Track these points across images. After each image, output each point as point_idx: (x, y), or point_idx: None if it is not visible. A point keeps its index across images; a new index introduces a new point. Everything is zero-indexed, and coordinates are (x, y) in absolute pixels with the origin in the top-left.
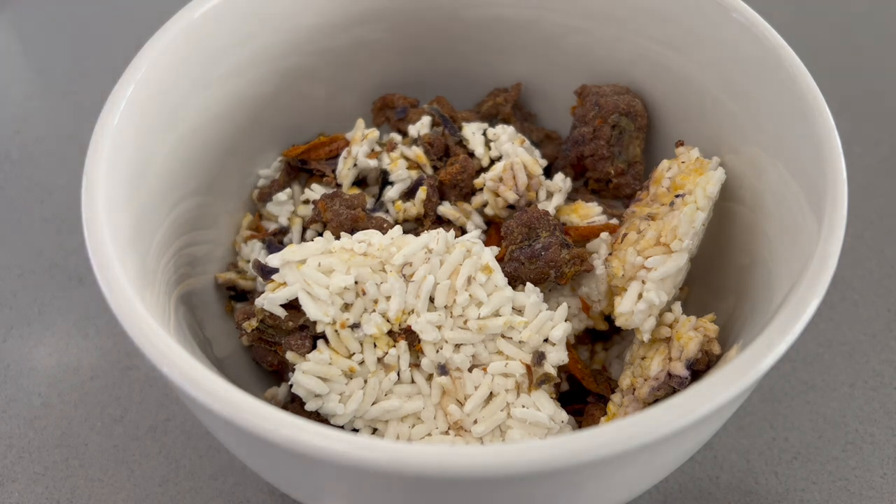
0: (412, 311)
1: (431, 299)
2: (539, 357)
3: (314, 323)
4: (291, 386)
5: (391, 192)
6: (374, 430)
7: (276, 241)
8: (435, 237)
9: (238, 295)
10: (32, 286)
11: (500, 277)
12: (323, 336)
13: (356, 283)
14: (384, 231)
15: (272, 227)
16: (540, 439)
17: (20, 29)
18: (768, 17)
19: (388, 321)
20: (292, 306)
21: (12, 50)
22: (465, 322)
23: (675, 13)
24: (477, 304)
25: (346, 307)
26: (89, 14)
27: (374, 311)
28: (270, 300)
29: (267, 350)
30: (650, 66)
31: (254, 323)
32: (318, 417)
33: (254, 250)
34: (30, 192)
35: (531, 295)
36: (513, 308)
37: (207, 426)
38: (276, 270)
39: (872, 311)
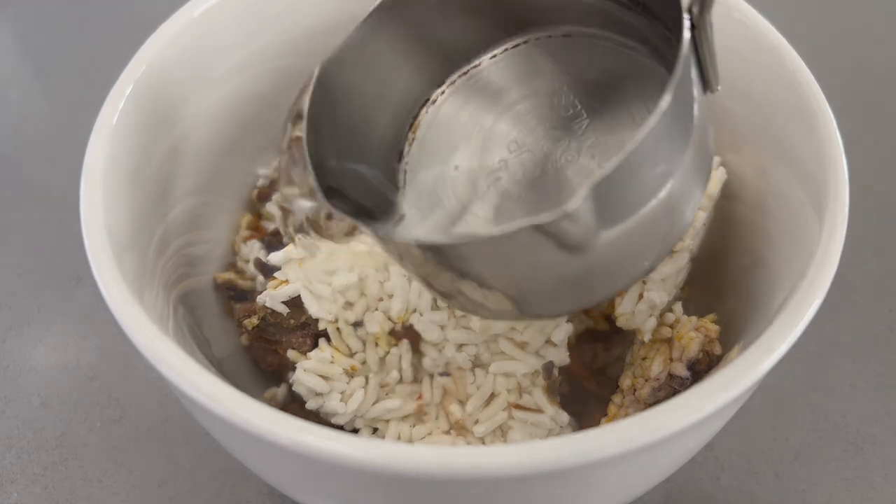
0: (414, 311)
1: (435, 299)
2: (549, 369)
3: (316, 321)
4: (291, 386)
5: None
6: (375, 430)
7: (275, 241)
8: None
9: (237, 295)
10: (31, 286)
11: None
12: (324, 335)
13: (359, 281)
14: None
15: (271, 226)
16: (541, 440)
17: (19, 28)
18: (769, 17)
19: (390, 320)
20: (293, 304)
21: (11, 49)
22: (468, 322)
23: None
24: None
25: (349, 305)
26: (88, 13)
27: (376, 309)
28: (272, 297)
29: (266, 350)
30: None
31: (255, 320)
32: (318, 418)
33: (253, 250)
34: (28, 191)
35: None
36: None
37: (207, 427)
38: (277, 268)
39: (874, 312)
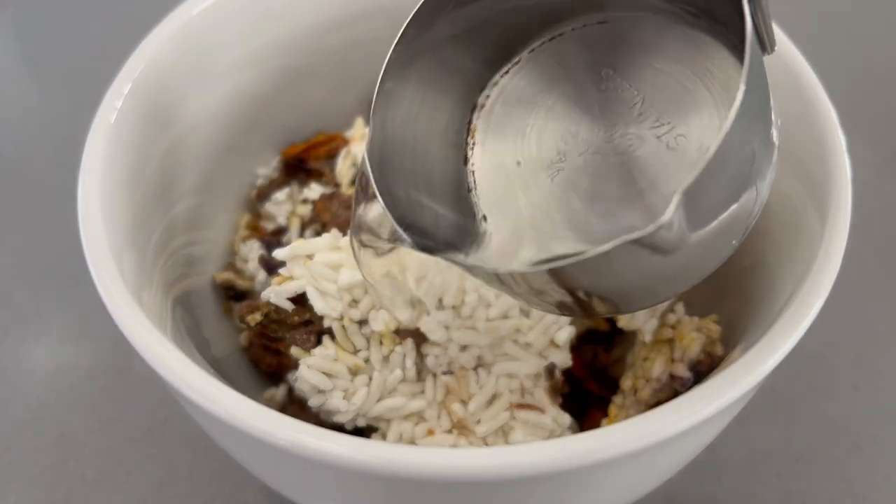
0: None
1: (440, 299)
2: (551, 371)
3: (320, 318)
4: (290, 387)
5: None
6: (376, 429)
7: (274, 241)
8: None
9: (236, 295)
10: (29, 287)
11: None
12: (328, 332)
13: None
14: None
15: (270, 226)
16: (542, 441)
17: (18, 28)
18: (772, 16)
19: (395, 318)
20: (298, 301)
21: (10, 49)
22: (473, 324)
23: None
24: (485, 306)
25: (354, 303)
26: (87, 13)
27: (381, 307)
28: (278, 293)
29: (265, 351)
30: None
31: (258, 317)
32: (317, 420)
33: (252, 250)
34: (26, 191)
35: None
36: (519, 310)
37: (205, 429)
38: (280, 266)
39: (876, 312)
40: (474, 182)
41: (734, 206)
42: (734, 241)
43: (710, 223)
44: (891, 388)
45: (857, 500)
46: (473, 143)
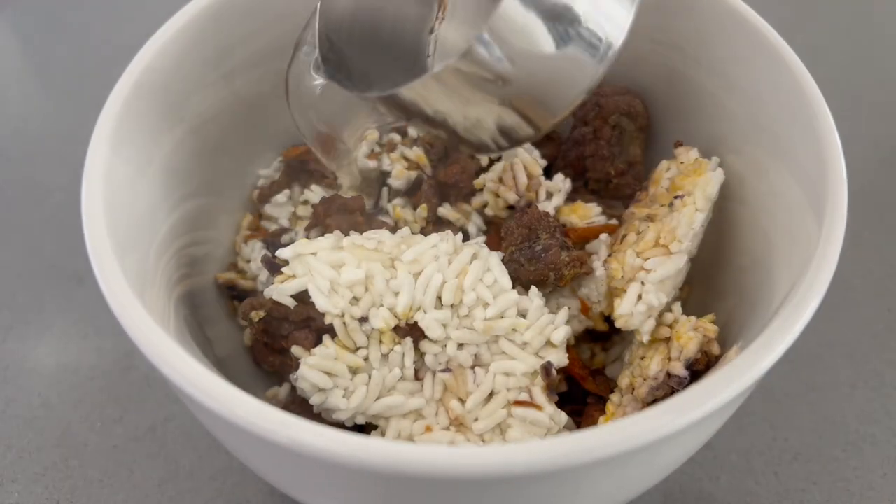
0: (419, 308)
1: (439, 298)
2: (547, 369)
3: (322, 316)
4: (293, 385)
5: (391, 192)
6: (376, 426)
7: (276, 242)
8: (444, 237)
9: (238, 295)
10: (32, 286)
11: (506, 281)
12: (328, 331)
13: (366, 277)
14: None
15: (272, 227)
16: (539, 439)
17: (20, 28)
18: (769, 17)
19: (395, 317)
20: (300, 300)
21: (12, 49)
22: (471, 323)
23: (675, 13)
24: (483, 306)
25: (355, 301)
26: (89, 13)
27: (381, 305)
28: (280, 290)
29: (268, 350)
30: (651, 67)
31: (261, 313)
32: (320, 419)
33: (254, 250)
34: (29, 191)
35: (535, 299)
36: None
37: (208, 427)
38: (283, 265)
39: (873, 312)
40: (434, 48)
41: (562, 31)
42: (588, 69)
43: (532, 54)
44: (888, 388)
45: (854, 498)
46: (442, 18)
